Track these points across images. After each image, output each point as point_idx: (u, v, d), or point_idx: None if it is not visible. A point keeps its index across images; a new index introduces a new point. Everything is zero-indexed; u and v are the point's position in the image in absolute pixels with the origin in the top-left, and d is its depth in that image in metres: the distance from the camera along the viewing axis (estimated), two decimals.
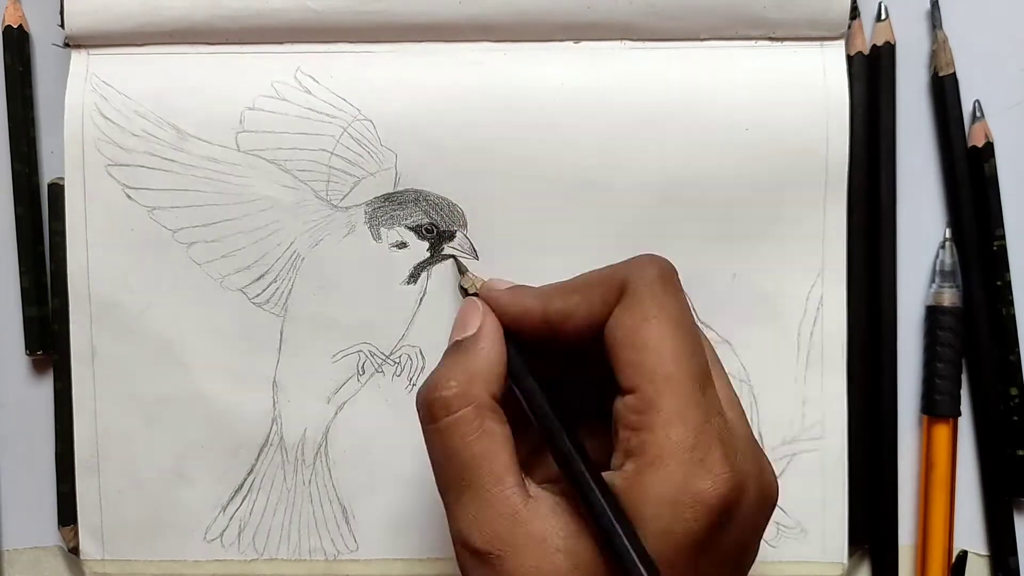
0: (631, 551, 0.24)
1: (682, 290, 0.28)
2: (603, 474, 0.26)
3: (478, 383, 0.27)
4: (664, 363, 0.25)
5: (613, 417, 0.26)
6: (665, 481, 0.24)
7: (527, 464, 0.28)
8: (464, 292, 0.33)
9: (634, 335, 0.26)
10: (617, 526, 0.24)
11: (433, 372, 0.28)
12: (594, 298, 0.27)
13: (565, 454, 0.26)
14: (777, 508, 0.36)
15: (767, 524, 0.27)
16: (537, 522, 0.25)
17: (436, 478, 0.27)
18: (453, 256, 0.36)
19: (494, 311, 0.29)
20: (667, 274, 0.27)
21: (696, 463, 0.24)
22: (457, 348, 0.29)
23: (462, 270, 0.35)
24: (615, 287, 0.27)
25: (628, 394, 0.26)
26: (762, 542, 0.36)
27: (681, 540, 0.24)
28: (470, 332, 0.29)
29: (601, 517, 0.25)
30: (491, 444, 0.26)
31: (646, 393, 0.25)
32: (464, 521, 0.26)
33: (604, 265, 0.29)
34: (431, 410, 0.27)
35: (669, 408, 0.25)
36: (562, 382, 0.29)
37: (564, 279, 0.29)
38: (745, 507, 0.25)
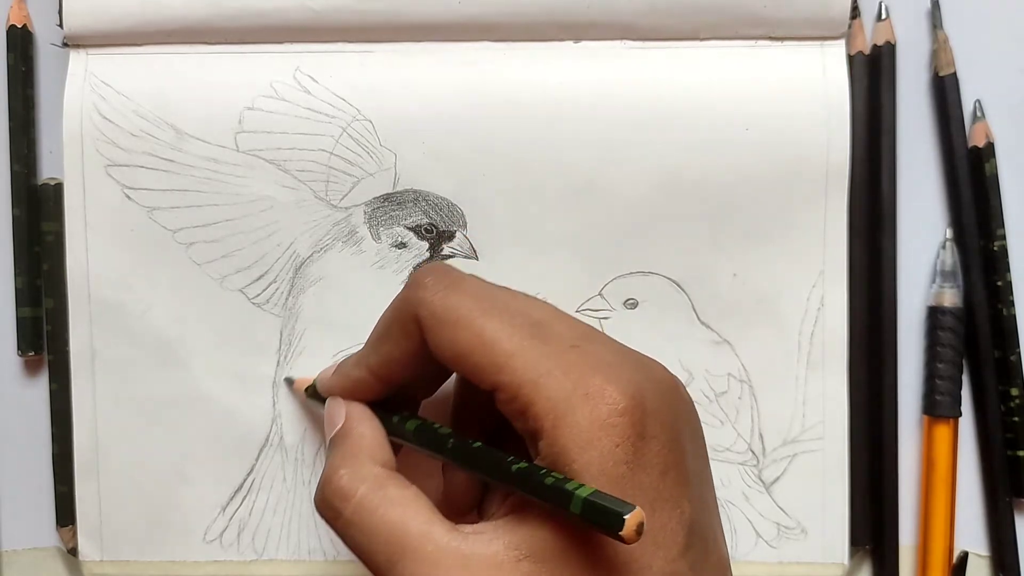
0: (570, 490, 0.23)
1: (463, 276, 0.28)
2: (536, 461, 0.25)
3: (363, 461, 0.28)
4: (496, 346, 0.25)
5: (511, 422, 0.26)
6: (573, 431, 0.24)
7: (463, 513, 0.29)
8: (308, 393, 0.34)
9: (454, 347, 0.26)
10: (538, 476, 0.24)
11: (321, 476, 0.28)
12: (398, 337, 0.28)
13: (498, 468, 0.26)
14: (777, 508, 0.36)
15: (694, 414, 0.27)
16: (488, 550, 0.25)
17: (369, 567, 0.26)
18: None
19: (333, 396, 0.31)
20: (445, 276, 0.27)
21: (583, 399, 0.24)
22: (332, 444, 0.29)
23: (291, 381, 0.37)
24: (409, 320, 0.27)
25: (495, 393, 0.26)
26: (763, 542, 0.37)
27: (615, 471, 0.24)
28: (339, 425, 0.29)
29: (558, 495, 0.24)
30: (403, 508, 0.26)
31: (504, 380, 0.25)
32: None
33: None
34: (332, 505, 0.27)
35: (530, 374, 0.25)
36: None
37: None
38: (652, 411, 0.25)
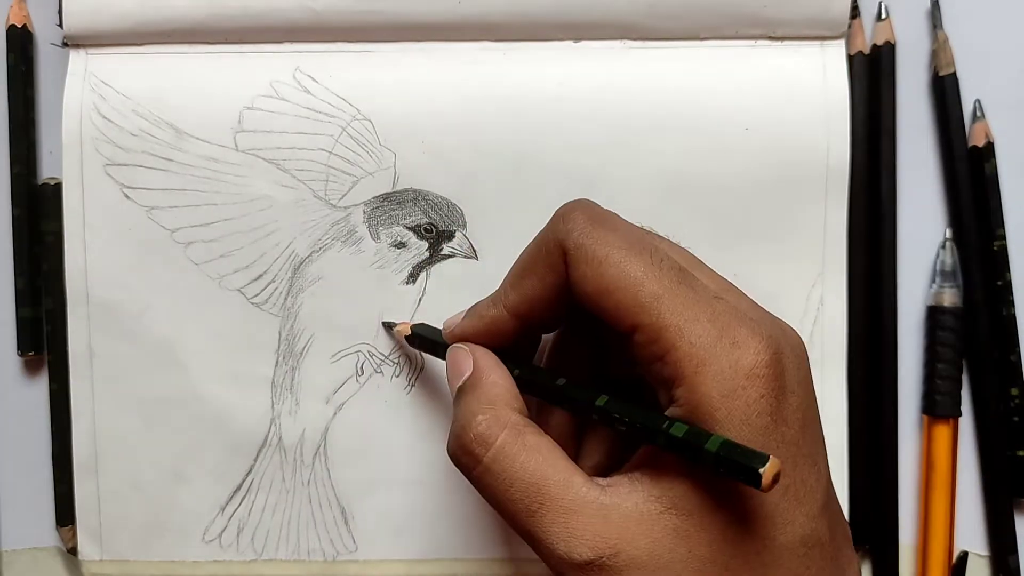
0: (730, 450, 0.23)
1: (609, 212, 0.28)
2: (666, 413, 0.25)
3: (502, 407, 0.27)
4: (643, 286, 0.25)
5: (641, 368, 0.26)
6: (717, 379, 0.24)
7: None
8: (411, 340, 0.34)
9: (600, 282, 0.26)
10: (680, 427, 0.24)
11: (454, 423, 0.28)
12: (543, 271, 0.27)
13: (616, 418, 0.26)
14: None
15: (812, 377, 0.27)
16: (628, 502, 0.24)
17: (506, 516, 0.26)
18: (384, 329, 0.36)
19: (466, 340, 0.30)
20: (593, 212, 0.27)
21: (730, 347, 0.24)
22: (463, 392, 0.28)
23: (391, 325, 0.36)
24: (555, 251, 0.27)
25: (634, 334, 0.25)
26: None
27: (759, 422, 0.24)
28: (468, 372, 0.28)
29: (687, 445, 0.24)
30: (544, 455, 0.26)
31: (647, 321, 0.25)
32: (560, 542, 0.24)
33: None
34: (471, 452, 0.26)
35: (676, 319, 0.24)
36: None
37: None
38: (790, 365, 0.25)
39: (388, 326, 0.36)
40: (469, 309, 0.30)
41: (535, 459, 0.25)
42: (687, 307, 0.25)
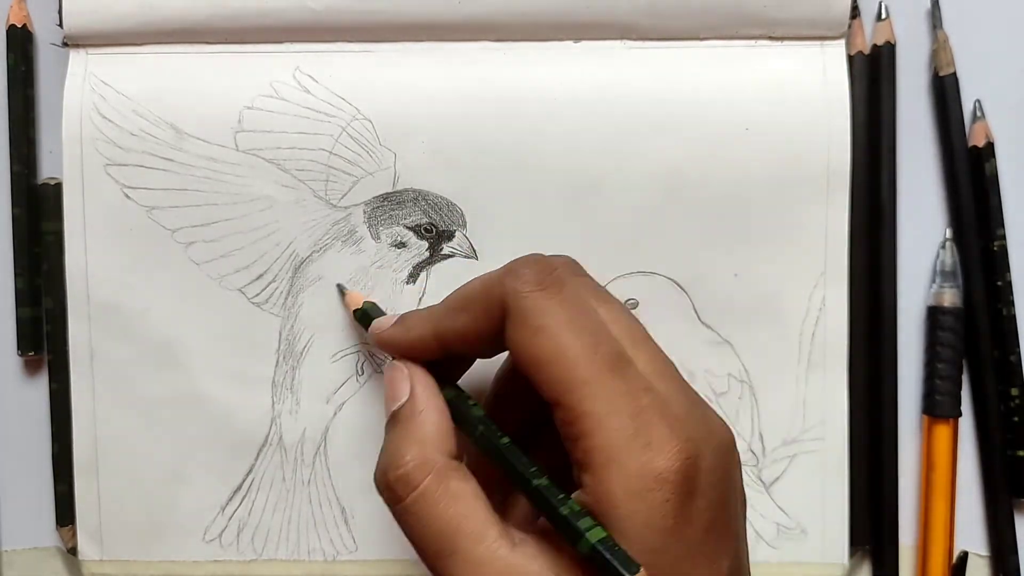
0: (606, 556, 0.24)
1: (573, 277, 0.27)
2: (573, 495, 0.25)
3: (430, 449, 0.27)
4: (571, 368, 0.25)
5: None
6: (623, 477, 0.24)
7: (505, 507, 0.29)
8: (356, 315, 0.34)
9: (532, 351, 0.26)
10: (580, 529, 0.24)
11: (383, 452, 0.28)
12: (479, 315, 0.27)
13: (519, 477, 0.26)
14: (777, 508, 0.36)
15: (739, 472, 0.27)
16: (531, 566, 0.25)
17: (419, 554, 0.27)
18: (340, 288, 0.36)
19: (387, 348, 0.30)
20: (544, 275, 0.27)
21: (643, 448, 0.24)
22: (397, 420, 0.28)
23: (343, 290, 0.36)
24: (495, 303, 0.27)
25: (555, 408, 0.25)
26: (763, 542, 0.36)
27: (661, 524, 0.24)
28: (403, 399, 0.29)
29: (568, 530, 0.25)
30: (462, 505, 0.26)
31: (569, 402, 0.25)
32: None
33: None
34: (394, 491, 0.27)
35: (595, 408, 0.25)
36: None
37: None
38: (706, 469, 0.25)
39: (341, 289, 0.36)
40: (401, 316, 0.31)
41: (453, 508, 0.26)
42: (611, 398, 0.25)
